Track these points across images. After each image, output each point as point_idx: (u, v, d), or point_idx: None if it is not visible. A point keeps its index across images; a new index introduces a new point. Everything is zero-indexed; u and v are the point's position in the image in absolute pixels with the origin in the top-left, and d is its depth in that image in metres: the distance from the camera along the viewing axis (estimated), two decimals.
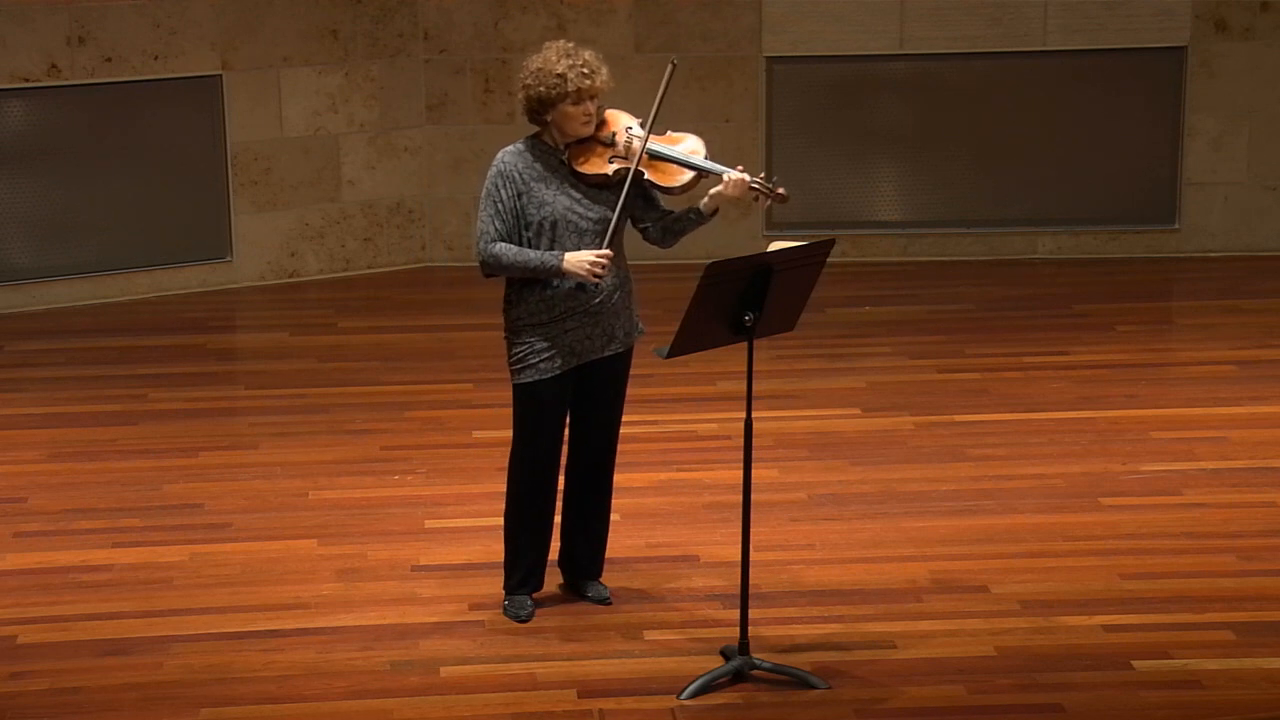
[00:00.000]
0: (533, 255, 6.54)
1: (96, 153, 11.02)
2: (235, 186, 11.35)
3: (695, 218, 6.67)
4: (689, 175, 6.58)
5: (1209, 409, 9.13)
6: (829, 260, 6.44)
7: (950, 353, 10.05)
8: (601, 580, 7.07)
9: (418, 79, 11.63)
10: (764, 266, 6.18)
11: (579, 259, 6.50)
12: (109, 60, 10.94)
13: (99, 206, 11.09)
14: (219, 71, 11.18)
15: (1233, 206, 11.91)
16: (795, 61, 11.69)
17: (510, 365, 6.73)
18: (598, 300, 6.62)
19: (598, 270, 6.49)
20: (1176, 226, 11.95)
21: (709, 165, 6.61)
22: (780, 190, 6.56)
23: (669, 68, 6.56)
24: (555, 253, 6.53)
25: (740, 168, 6.62)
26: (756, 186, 6.55)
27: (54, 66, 10.85)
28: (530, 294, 6.62)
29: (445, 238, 11.87)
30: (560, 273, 6.52)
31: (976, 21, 11.63)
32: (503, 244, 6.56)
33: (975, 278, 11.54)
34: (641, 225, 6.74)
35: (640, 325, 6.82)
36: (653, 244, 6.78)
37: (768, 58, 11.67)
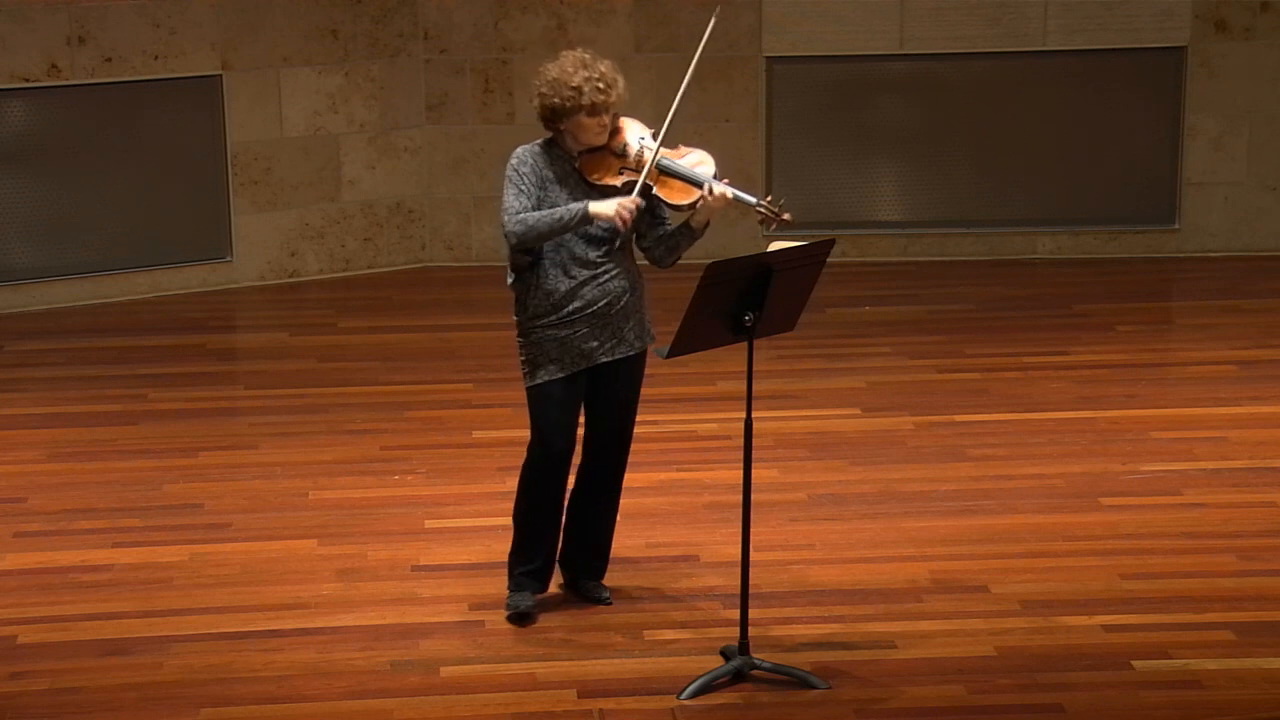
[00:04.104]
0: (559, 210, 6.49)
1: (96, 153, 11.03)
2: (235, 186, 11.35)
3: (687, 233, 6.65)
4: (697, 194, 6.56)
5: (1209, 409, 9.13)
6: (829, 260, 6.45)
7: (950, 353, 10.05)
8: (602, 580, 7.07)
9: (418, 79, 11.64)
10: (764, 267, 6.19)
11: (606, 207, 6.44)
12: (109, 60, 10.94)
13: (99, 206, 11.09)
14: (219, 71, 11.18)
15: (1233, 206, 11.91)
16: (795, 61, 11.69)
17: (522, 366, 6.72)
18: (605, 302, 6.61)
19: (624, 214, 6.42)
20: (1176, 226, 11.95)
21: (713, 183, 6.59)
22: (786, 216, 6.54)
23: (682, 86, 6.55)
24: (580, 201, 6.50)
25: (725, 180, 6.58)
26: (762, 210, 6.54)
27: (54, 66, 10.85)
28: (539, 296, 6.60)
29: (445, 238, 11.87)
30: (589, 218, 6.45)
31: (976, 21, 11.63)
32: (526, 214, 6.52)
33: (975, 278, 11.54)
34: (645, 243, 6.71)
35: (651, 332, 6.80)
36: (654, 262, 6.75)
37: (768, 58, 11.67)
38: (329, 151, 11.52)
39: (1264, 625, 6.84)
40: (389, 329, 10.61)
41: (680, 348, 6.23)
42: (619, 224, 6.44)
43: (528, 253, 6.59)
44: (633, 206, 6.45)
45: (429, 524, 7.82)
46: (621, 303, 6.65)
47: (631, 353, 6.73)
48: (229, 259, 11.46)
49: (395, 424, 9.02)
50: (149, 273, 11.29)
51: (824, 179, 11.80)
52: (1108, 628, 6.82)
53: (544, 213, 6.49)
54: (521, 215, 6.49)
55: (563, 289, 6.59)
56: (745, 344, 6.33)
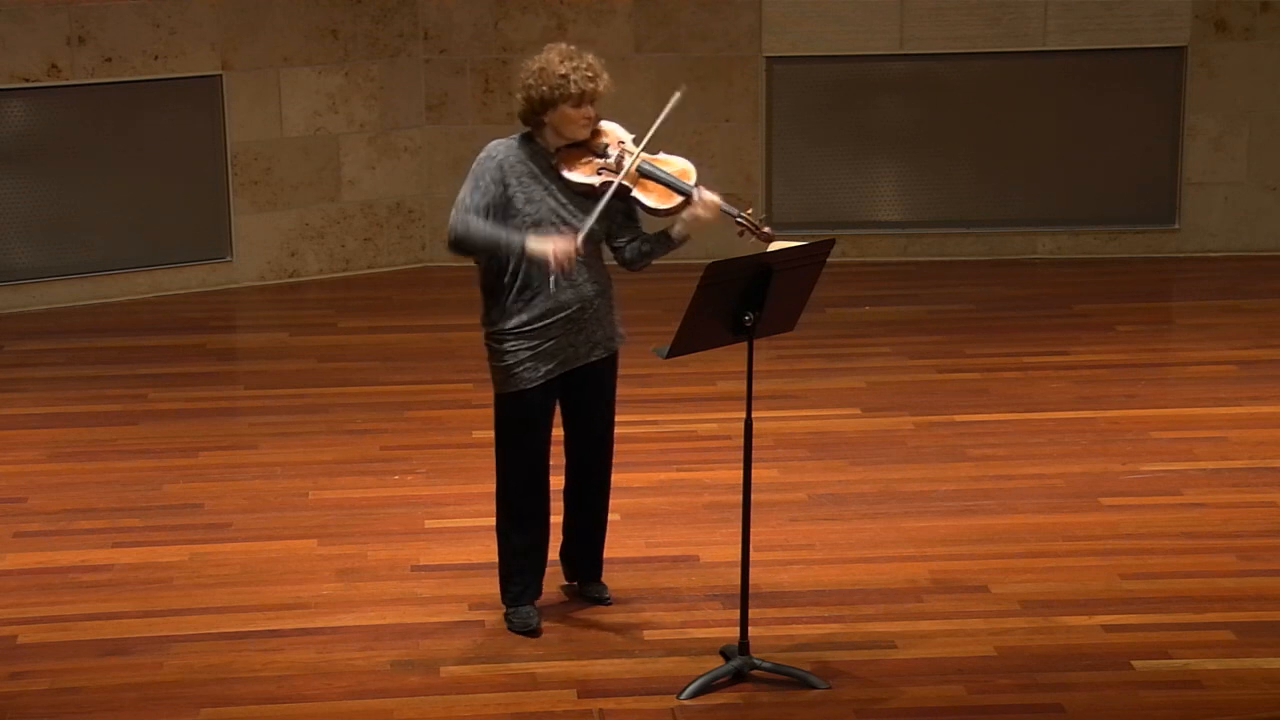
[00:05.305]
0: (501, 231, 6.45)
1: (96, 153, 11.03)
2: (235, 186, 11.35)
3: (665, 242, 6.61)
4: (678, 200, 6.54)
5: (1209, 409, 9.13)
6: (829, 260, 6.44)
7: (950, 353, 10.05)
8: (601, 580, 7.07)
9: (418, 79, 11.64)
10: (764, 267, 6.19)
11: (544, 246, 6.36)
12: (109, 60, 10.94)
13: (99, 206, 11.09)
14: (219, 71, 11.18)
15: (1233, 206, 11.91)
16: (795, 61, 11.69)
17: (494, 374, 6.70)
18: (577, 306, 6.58)
19: (561, 258, 6.34)
20: (1176, 226, 11.95)
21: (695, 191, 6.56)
22: (766, 229, 6.53)
23: (676, 95, 6.52)
24: (523, 234, 6.45)
25: (702, 189, 6.56)
26: (743, 222, 6.52)
27: (54, 66, 10.85)
28: (512, 301, 6.58)
29: (445, 238, 11.84)
30: (523, 251, 6.41)
31: (976, 21, 11.63)
32: (475, 216, 6.50)
33: (975, 278, 11.54)
34: (617, 244, 6.66)
35: (621, 334, 6.78)
36: (623, 265, 6.71)
37: (768, 58, 11.67)
38: (329, 151, 11.53)
39: (1264, 625, 6.84)
40: (389, 329, 10.61)
41: (680, 348, 6.23)
42: (554, 267, 6.37)
43: (463, 252, 6.54)
44: (571, 252, 6.37)
45: (429, 524, 7.82)
46: (594, 307, 6.62)
47: (604, 355, 6.71)
48: (229, 259, 11.46)
49: (395, 424, 9.02)
50: (149, 273, 11.30)
51: (824, 179, 11.80)
52: (1108, 628, 6.82)
53: (489, 227, 6.44)
54: (469, 217, 6.45)
55: (536, 291, 6.54)
56: (745, 344, 6.33)
